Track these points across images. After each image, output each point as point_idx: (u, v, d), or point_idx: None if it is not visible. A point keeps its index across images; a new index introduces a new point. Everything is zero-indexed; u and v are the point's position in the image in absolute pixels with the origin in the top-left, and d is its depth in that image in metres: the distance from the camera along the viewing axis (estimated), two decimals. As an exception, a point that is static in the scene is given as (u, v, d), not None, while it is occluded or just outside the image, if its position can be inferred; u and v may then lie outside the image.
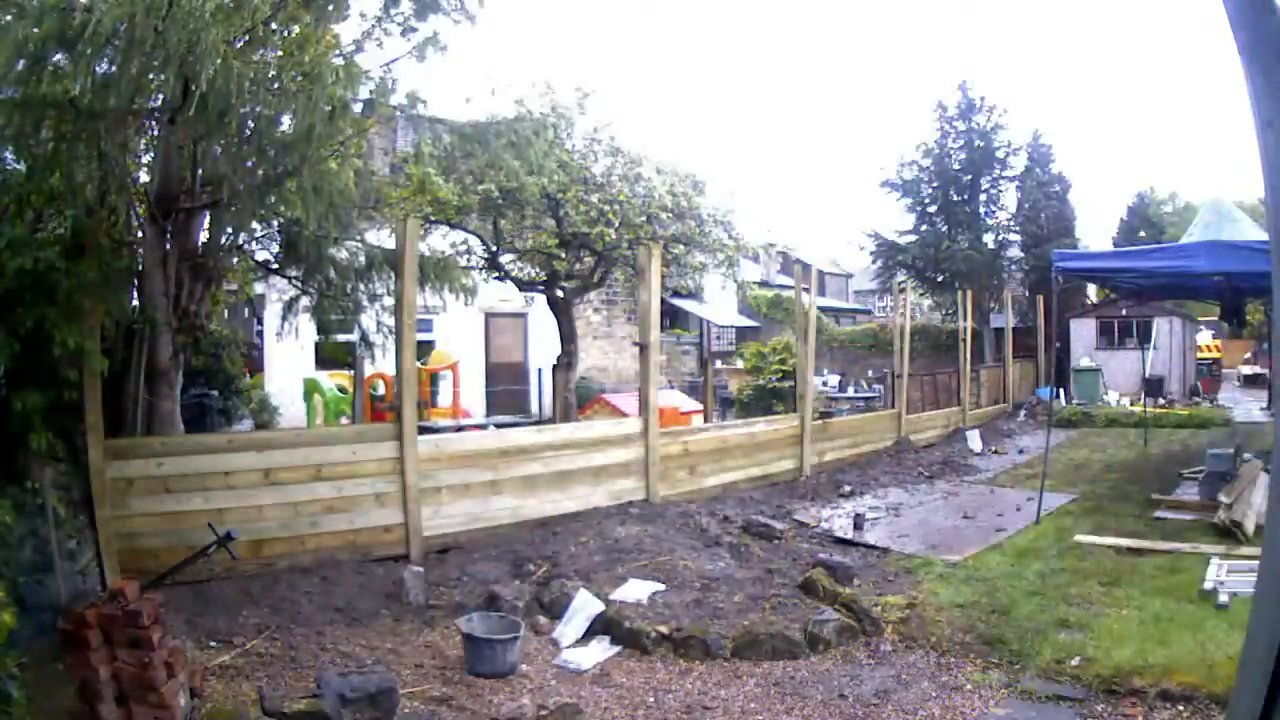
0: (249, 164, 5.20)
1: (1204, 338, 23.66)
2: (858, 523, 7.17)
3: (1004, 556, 6.07)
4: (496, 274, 10.59)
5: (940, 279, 22.11)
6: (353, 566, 5.42)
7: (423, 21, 5.67)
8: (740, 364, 19.14)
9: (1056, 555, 6.04)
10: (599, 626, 4.69)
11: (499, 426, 10.89)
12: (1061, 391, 17.52)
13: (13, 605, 3.08)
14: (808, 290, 10.22)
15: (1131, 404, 15.98)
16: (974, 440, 12.23)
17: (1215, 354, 22.45)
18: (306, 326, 9.19)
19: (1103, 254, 11.52)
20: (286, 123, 4.82)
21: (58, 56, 4.30)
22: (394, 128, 10.59)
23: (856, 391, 18.05)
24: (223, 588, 4.88)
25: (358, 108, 5.52)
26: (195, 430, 7.41)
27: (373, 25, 5.78)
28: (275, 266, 6.93)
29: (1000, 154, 23.24)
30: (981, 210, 23.46)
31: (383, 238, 7.70)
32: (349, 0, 5.67)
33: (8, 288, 4.05)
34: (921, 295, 23.94)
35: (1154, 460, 10.43)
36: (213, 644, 4.20)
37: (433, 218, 9.14)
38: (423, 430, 6.44)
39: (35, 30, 3.93)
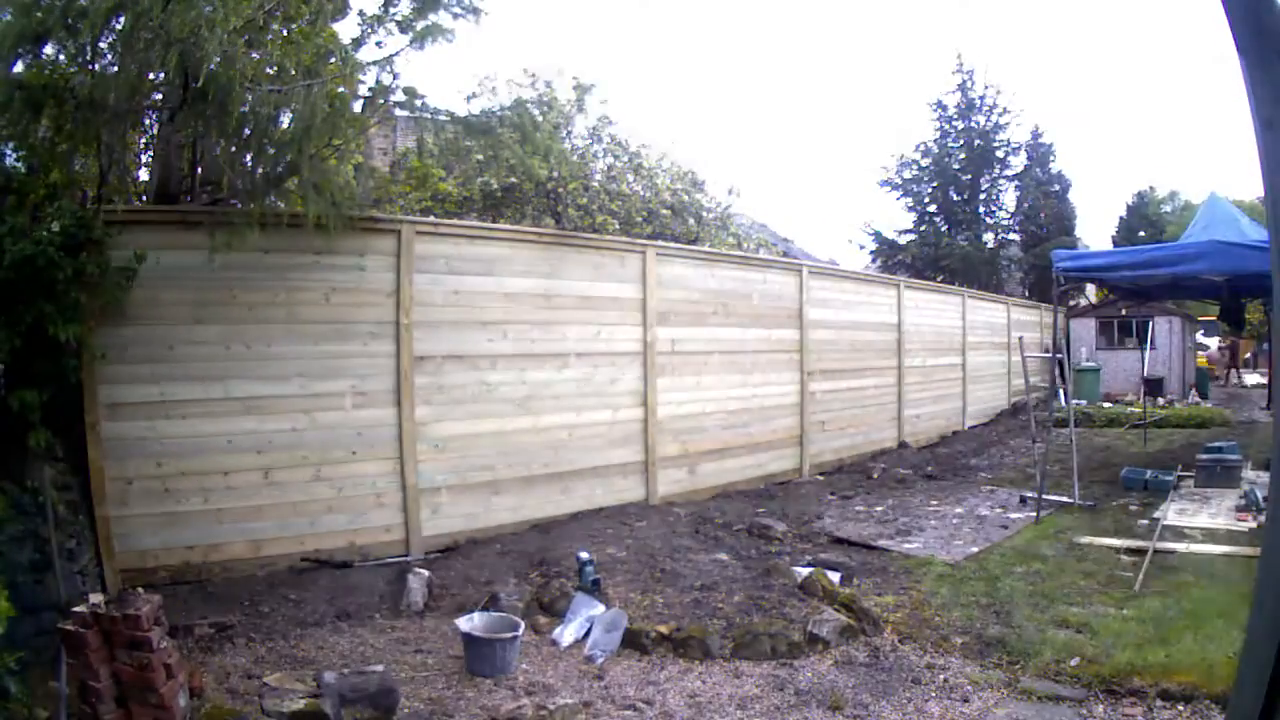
0: (248, 160, 5.19)
1: (1211, 343, 23.62)
2: (858, 522, 7.17)
3: (1004, 556, 6.07)
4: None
5: (939, 278, 22.15)
6: (353, 567, 5.43)
7: (423, 20, 5.66)
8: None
9: (1056, 555, 6.04)
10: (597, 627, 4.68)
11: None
12: (1062, 391, 17.52)
13: (9, 600, 3.07)
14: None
15: (1130, 404, 15.98)
16: (973, 440, 12.23)
17: (1210, 366, 22.41)
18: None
19: (1102, 253, 11.50)
20: (286, 120, 4.81)
21: (55, 48, 4.28)
22: (393, 126, 10.58)
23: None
24: (222, 588, 4.89)
25: (357, 105, 5.51)
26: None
27: (372, 22, 5.78)
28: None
29: (1000, 153, 23.27)
30: (981, 209, 23.49)
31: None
32: (348, -1, 5.67)
33: (8, 278, 4.04)
34: (921, 294, 23.96)
35: (1154, 460, 10.42)
36: (213, 644, 4.19)
37: (434, 214, 9.14)
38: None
39: (40, 4, 3.91)
